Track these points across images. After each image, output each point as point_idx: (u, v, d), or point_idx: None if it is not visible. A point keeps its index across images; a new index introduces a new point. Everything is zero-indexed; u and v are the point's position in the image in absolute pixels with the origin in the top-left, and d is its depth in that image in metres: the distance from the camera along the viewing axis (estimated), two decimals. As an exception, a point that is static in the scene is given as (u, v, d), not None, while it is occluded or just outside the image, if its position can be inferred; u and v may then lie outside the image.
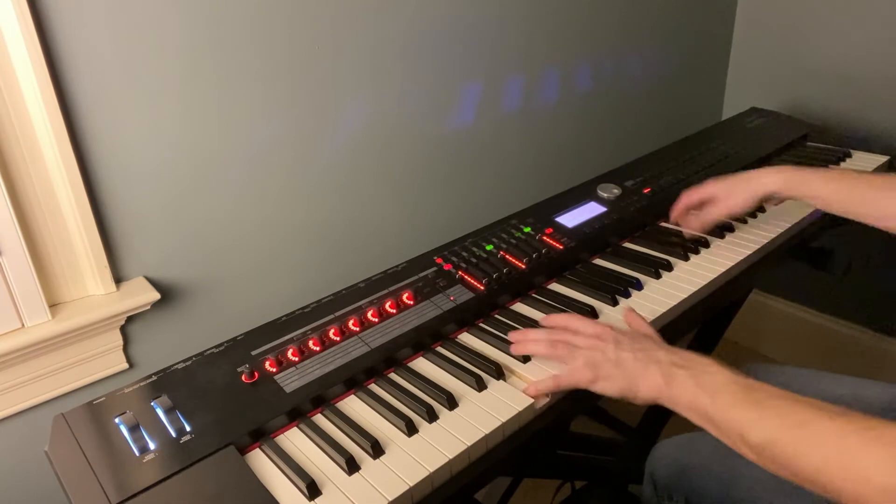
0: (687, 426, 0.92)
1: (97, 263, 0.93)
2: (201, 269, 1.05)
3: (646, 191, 1.17)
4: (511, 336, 0.83)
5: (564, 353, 0.77)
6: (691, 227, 1.03)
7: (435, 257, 0.98)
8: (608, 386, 0.73)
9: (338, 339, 0.83)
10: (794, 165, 1.00)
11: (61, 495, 0.65)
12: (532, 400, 0.75)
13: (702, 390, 0.66)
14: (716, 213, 1.01)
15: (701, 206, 1.04)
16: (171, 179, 0.98)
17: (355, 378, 0.79)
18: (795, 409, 0.60)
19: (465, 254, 0.99)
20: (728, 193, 0.99)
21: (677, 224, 1.09)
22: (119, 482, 0.65)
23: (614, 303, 0.91)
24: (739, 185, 0.99)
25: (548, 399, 0.76)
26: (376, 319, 0.86)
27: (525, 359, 0.81)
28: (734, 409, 0.63)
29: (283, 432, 0.73)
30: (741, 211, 1.00)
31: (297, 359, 0.80)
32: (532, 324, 0.87)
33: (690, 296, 0.93)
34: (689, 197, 1.05)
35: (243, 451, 0.70)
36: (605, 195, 1.15)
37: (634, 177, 1.22)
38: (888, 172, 0.96)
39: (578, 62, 1.48)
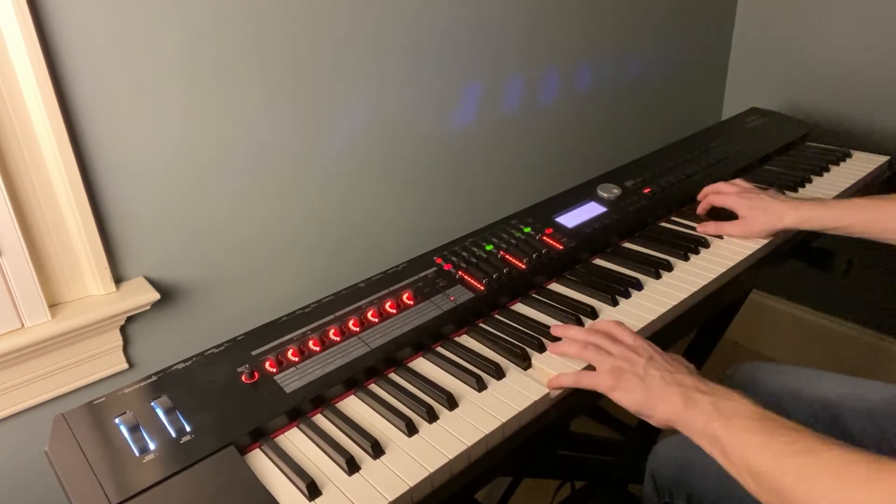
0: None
1: (97, 263, 0.93)
2: (201, 270, 1.05)
3: (646, 191, 1.17)
4: (553, 330, 0.84)
5: (594, 357, 0.77)
6: (708, 231, 1.08)
7: (435, 257, 0.98)
8: (626, 398, 0.73)
9: (338, 339, 0.83)
10: (812, 200, 1.05)
11: (61, 495, 0.65)
12: (533, 399, 0.75)
13: (718, 414, 0.65)
14: (732, 232, 1.06)
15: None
16: (171, 179, 0.98)
17: (355, 378, 0.79)
18: (804, 438, 0.59)
19: (465, 254, 0.99)
20: (750, 217, 1.05)
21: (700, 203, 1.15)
22: (119, 482, 0.65)
23: (614, 303, 0.91)
24: (760, 214, 1.04)
25: (560, 392, 0.77)
26: (376, 319, 0.86)
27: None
28: (744, 434, 0.63)
29: (283, 432, 0.73)
30: (755, 237, 1.05)
31: (297, 359, 0.80)
32: (533, 324, 0.87)
33: (690, 296, 0.93)
34: (714, 200, 1.11)
35: (243, 451, 0.70)
36: (605, 195, 1.15)
37: (634, 177, 1.22)
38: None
39: (578, 62, 1.48)
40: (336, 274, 1.18)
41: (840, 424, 0.91)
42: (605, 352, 0.77)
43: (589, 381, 0.76)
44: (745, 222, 1.05)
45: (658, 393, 0.71)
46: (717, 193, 1.11)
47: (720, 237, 1.07)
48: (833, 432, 0.90)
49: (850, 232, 0.99)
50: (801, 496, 0.55)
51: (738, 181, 1.13)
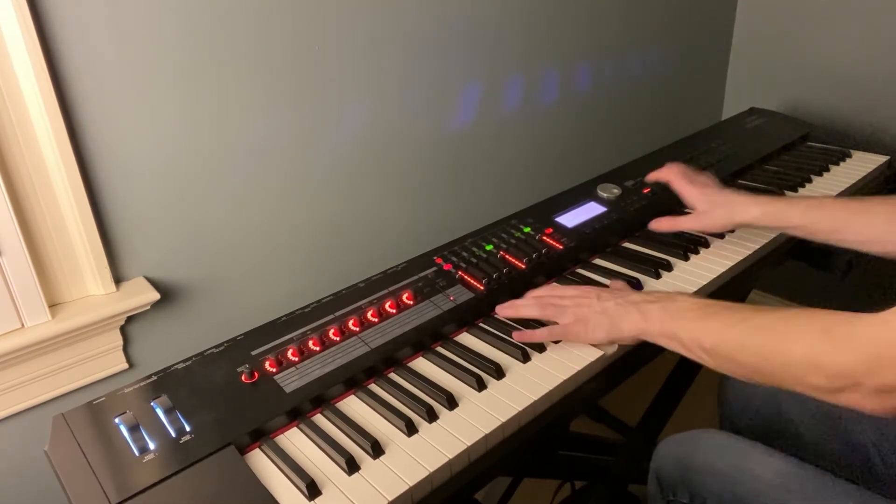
0: (689, 425, 0.92)
1: (97, 263, 0.93)
2: (201, 269, 1.05)
3: (646, 191, 1.17)
4: (499, 309, 0.90)
5: (554, 312, 0.84)
6: (661, 227, 1.05)
7: (435, 257, 0.98)
8: (598, 334, 0.81)
9: (338, 339, 0.83)
10: (773, 196, 1.03)
11: (61, 495, 0.65)
12: (533, 399, 0.75)
13: (669, 316, 0.77)
14: (689, 226, 1.03)
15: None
16: (171, 179, 0.98)
17: (355, 378, 0.79)
18: (738, 312, 0.72)
19: (465, 254, 0.99)
20: (708, 211, 1.01)
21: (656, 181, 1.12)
22: (119, 482, 0.65)
23: (614, 303, 0.91)
24: (719, 208, 1.00)
25: (559, 391, 0.78)
26: (376, 319, 0.86)
27: (525, 358, 0.81)
28: (692, 323, 0.75)
29: (283, 432, 0.73)
30: (713, 232, 1.04)
31: (297, 359, 0.80)
32: (532, 324, 0.87)
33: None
34: (676, 184, 1.06)
35: (243, 451, 0.70)
36: (605, 195, 1.15)
37: (634, 177, 1.22)
38: (874, 196, 0.96)
39: (578, 62, 1.47)
40: (336, 274, 1.18)
41: (839, 413, 0.91)
42: (560, 306, 0.84)
43: (561, 332, 0.83)
44: (703, 216, 1.01)
45: (619, 317, 0.80)
46: (680, 182, 1.06)
47: (701, 239, 1.06)
48: (836, 423, 0.91)
49: (811, 232, 0.94)
50: (744, 355, 0.69)
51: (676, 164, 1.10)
